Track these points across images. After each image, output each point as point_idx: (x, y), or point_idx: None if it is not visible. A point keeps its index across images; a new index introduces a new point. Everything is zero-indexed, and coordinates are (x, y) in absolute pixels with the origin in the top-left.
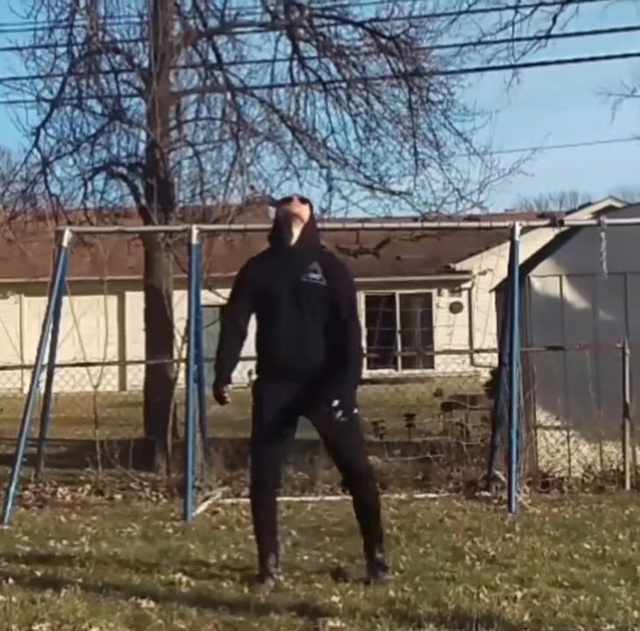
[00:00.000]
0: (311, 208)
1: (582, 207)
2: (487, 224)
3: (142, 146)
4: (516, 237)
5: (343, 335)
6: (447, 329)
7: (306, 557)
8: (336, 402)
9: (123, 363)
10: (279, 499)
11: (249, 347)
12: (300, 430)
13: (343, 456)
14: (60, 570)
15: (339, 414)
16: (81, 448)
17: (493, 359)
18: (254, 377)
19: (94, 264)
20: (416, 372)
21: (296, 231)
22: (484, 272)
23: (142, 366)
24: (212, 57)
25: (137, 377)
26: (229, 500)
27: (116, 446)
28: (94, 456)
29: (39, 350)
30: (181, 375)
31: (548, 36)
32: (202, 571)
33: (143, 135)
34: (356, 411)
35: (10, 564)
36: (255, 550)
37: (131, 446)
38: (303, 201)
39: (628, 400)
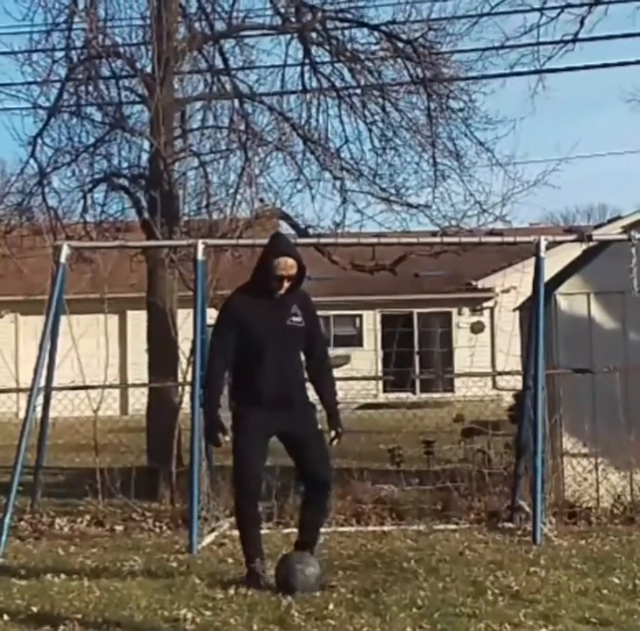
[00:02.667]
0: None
1: (611, 221)
2: (510, 239)
3: (145, 157)
4: (542, 253)
5: (320, 370)
6: (468, 351)
7: (318, 593)
8: (333, 433)
9: (124, 386)
10: (288, 531)
11: None
12: None
13: (317, 471)
14: (57, 606)
15: (335, 440)
16: (80, 476)
17: (516, 382)
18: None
19: (93, 281)
20: (435, 395)
21: (286, 286)
22: (507, 290)
23: (145, 390)
24: (219, 62)
25: (139, 401)
26: (236, 532)
27: (117, 474)
28: (94, 484)
29: (36, 372)
30: (186, 399)
31: (575, 39)
32: (209, 607)
33: (146, 145)
34: (320, 427)
35: (5, 600)
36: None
37: (134, 474)
38: (295, 254)
39: None
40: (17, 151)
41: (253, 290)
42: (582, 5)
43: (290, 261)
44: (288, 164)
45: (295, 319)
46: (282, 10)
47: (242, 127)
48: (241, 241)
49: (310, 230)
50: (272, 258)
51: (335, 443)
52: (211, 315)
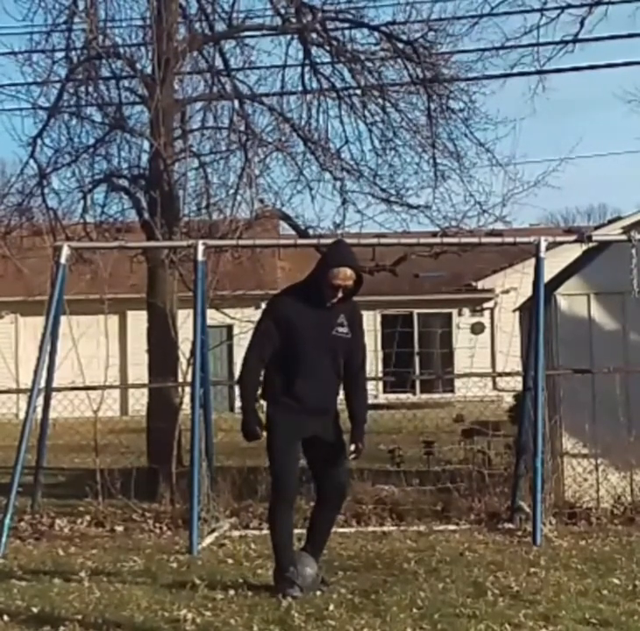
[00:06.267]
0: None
1: (611, 221)
2: (510, 240)
3: (145, 157)
4: (542, 254)
5: (354, 383)
6: (468, 351)
7: (318, 593)
8: (353, 447)
9: (124, 386)
10: None
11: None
12: None
13: (336, 473)
14: (57, 607)
15: (354, 455)
16: (80, 477)
17: (516, 383)
18: (265, 405)
19: (93, 281)
20: (436, 396)
21: (339, 296)
22: (507, 291)
23: (145, 390)
24: (219, 62)
25: (139, 401)
26: (237, 533)
27: (117, 475)
28: (94, 485)
29: (36, 373)
30: (186, 399)
31: (575, 40)
32: (209, 608)
33: (146, 145)
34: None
35: (5, 600)
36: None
37: (134, 475)
38: (355, 265)
39: None
40: (17, 151)
41: (304, 294)
42: (582, 6)
43: (349, 272)
44: (289, 165)
45: (341, 330)
46: (282, 11)
47: (242, 128)
48: (241, 242)
49: (310, 231)
50: (330, 267)
51: (352, 457)
52: (211, 315)
